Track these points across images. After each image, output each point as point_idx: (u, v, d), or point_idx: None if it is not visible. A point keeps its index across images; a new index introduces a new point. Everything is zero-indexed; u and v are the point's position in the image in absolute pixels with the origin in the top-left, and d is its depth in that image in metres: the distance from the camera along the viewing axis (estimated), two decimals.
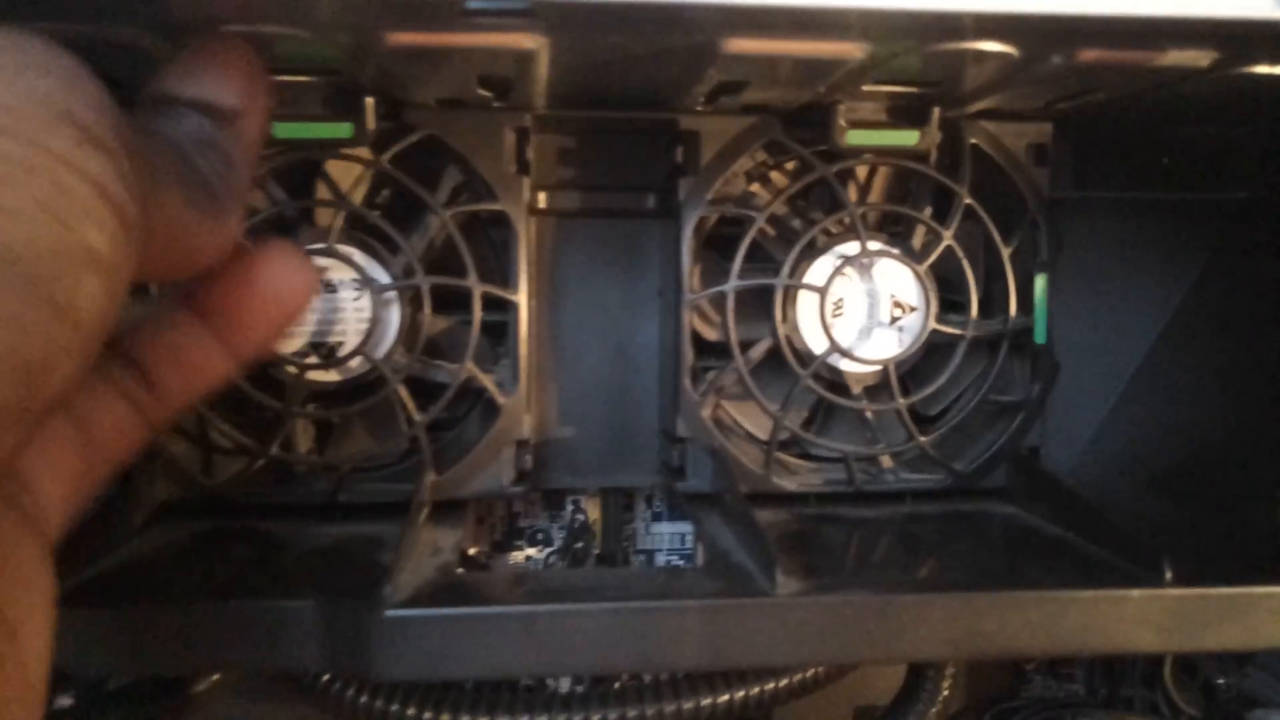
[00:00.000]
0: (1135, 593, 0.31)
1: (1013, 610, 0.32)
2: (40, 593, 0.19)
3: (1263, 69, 0.30)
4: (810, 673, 0.37)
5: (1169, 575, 0.32)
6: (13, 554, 0.19)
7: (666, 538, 0.51)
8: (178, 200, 0.21)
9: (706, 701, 0.36)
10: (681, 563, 0.50)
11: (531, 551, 0.50)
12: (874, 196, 0.42)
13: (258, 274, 0.25)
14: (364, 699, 0.34)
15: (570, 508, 0.49)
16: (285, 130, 0.35)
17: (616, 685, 0.39)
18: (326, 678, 0.35)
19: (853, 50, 0.30)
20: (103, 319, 0.17)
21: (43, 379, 0.16)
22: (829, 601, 0.31)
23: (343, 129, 0.35)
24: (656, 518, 0.50)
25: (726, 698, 0.36)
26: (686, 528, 0.50)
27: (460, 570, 0.35)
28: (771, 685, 0.37)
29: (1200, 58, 0.30)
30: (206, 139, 0.23)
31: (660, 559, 0.51)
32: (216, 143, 0.23)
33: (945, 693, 0.39)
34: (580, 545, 0.48)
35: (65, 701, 0.42)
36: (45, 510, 0.20)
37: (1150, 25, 0.26)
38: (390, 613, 0.29)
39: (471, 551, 0.49)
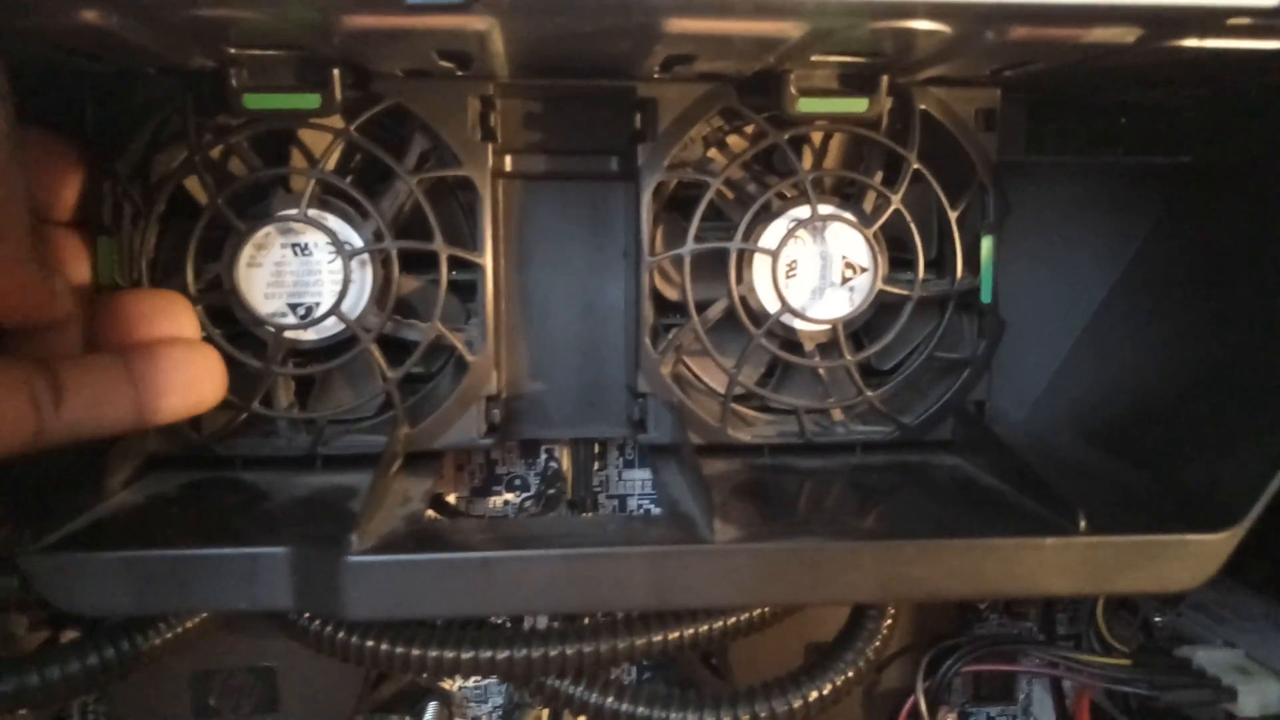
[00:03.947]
0: (1049, 541, 0.34)
1: (937, 556, 0.34)
2: None
3: (1191, 42, 0.32)
4: (757, 612, 0.40)
5: (1083, 525, 0.34)
6: None
7: (638, 484, 0.53)
8: None
9: (659, 638, 0.39)
10: (653, 507, 0.53)
11: (509, 497, 0.52)
12: (830, 161, 0.44)
13: (179, 355, 0.33)
14: (339, 635, 0.37)
15: (544, 456, 0.52)
16: (257, 101, 0.37)
17: (586, 621, 0.42)
18: (305, 615, 0.38)
19: (790, 29, 0.31)
20: None
21: None
22: (762, 549, 0.33)
23: (312, 100, 0.37)
24: (629, 465, 0.53)
25: (677, 635, 0.39)
26: None
27: (430, 516, 0.37)
28: (721, 624, 0.40)
29: (1125, 34, 0.31)
30: None
31: (632, 504, 0.53)
32: None
33: (885, 632, 0.41)
34: (552, 492, 0.50)
35: (72, 634, 0.45)
36: None
37: (1068, 10, 0.28)
38: (354, 558, 0.32)
39: (451, 498, 0.51)
